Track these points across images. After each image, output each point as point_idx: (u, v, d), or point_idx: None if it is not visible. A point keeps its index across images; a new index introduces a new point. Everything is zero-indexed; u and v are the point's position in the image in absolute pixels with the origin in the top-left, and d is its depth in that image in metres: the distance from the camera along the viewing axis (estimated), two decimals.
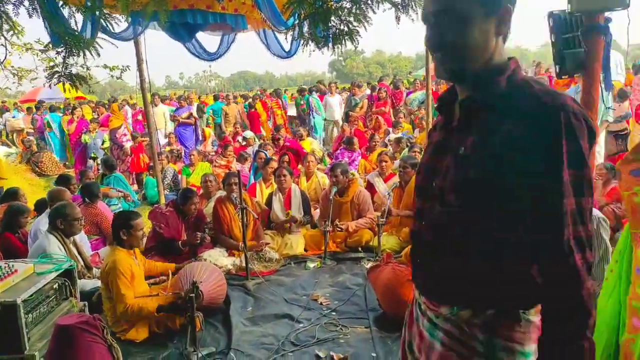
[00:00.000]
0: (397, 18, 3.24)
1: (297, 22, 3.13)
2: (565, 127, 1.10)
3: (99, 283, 4.05)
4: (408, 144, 8.10)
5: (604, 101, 2.87)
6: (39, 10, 2.80)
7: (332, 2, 2.98)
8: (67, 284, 3.38)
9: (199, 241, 4.89)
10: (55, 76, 3.25)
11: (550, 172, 1.11)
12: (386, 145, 8.76)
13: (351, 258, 5.12)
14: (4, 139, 15.46)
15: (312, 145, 9.69)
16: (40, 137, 13.31)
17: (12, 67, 7.19)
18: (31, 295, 2.93)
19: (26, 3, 2.77)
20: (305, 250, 5.36)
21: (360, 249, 5.26)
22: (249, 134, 10.50)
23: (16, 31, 5.39)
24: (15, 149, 13.66)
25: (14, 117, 16.29)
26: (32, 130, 14.64)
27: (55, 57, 3.33)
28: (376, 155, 7.16)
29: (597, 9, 2.54)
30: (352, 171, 6.57)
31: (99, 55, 3.36)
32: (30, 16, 2.80)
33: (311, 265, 4.97)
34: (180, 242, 4.89)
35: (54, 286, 3.25)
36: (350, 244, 5.31)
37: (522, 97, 1.17)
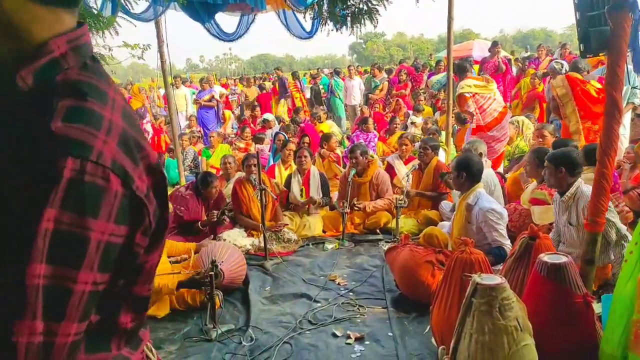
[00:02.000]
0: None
1: (316, 1, 3.12)
2: (66, 187, 0.71)
3: None
4: (433, 124, 8.02)
5: (629, 81, 2.80)
6: None
7: None
8: None
9: (215, 219, 4.95)
10: None
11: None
12: (406, 128, 8.68)
13: (369, 240, 5.13)
14: None
15: (331, 128, 9.67)
16: None
17: None
18: None
19: None
20: (324, 231, 5.39)
21: (378, 230, 5.27)
22: (269, 116, 10.51)
23: None
24: None
25: None
26: None
27: None
28: (396, 138, 7.12)
29: None
30: (371, 152, 6.54)
31: (117, 34, 3.38)
32: None
33: (329, 246, 5.00)
34: (199, 222, 4.96)
35: None
36: (368, 226, 5.32)
37: (40, 111, 0.76)
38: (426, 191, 5.35)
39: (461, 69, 6.40)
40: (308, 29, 5.50)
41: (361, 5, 3.09)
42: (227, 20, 6.11)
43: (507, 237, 3.73)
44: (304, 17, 4.82)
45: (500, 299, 2.35)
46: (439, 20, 6.34)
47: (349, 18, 3.07)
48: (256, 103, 12.54)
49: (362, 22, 3.13)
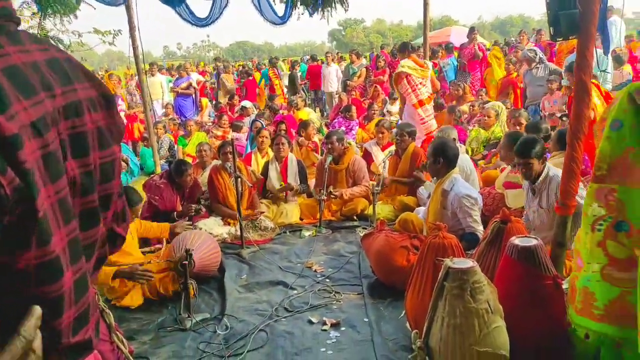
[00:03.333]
0: None
1: None
2: None
3: None
4: None
5: (598, 66, 2.82)
6: None
7: None
8: None
9: (193, 213, 4.89)
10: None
11: None
12: (384, 115, 8.68)
13: (346, 227, 5.13)
14: None
15: (309, 115, 9.61)
16: None
17: (21, 4, 7.03)
18: None
19: None
20: (301, 219, 5.37)
21: (355, 217, 5.27)
22: (247, 103, 10.40)
23: None
24: None
25: None
26: None
27: (30, 19, 3.25)
28: (374, 125, 7.11)
29: None
30: (349, 140, 6.53)
31: (76, 17, 3.28)
32: None
33: (306, 233, 4.98)
34: (175, 213, 4.88)
35: None
36: (345, 213, 5.32)
37: None
38: (403, 177, 5.36)
39: (401, 49, 6.79)
40: (280, 14, 5.43)
41: None
42: (200, 5, 5.99)
43: (480, 223, 3.76)
44: (274, 1, 4.75)
45: (471, 282, 2.37)
46: (418, 7, 6.35)
47: (320, 2, 3.02)
48: (236, 90, 12.40)
49: (334, 6, 3.08)
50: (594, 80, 5.25)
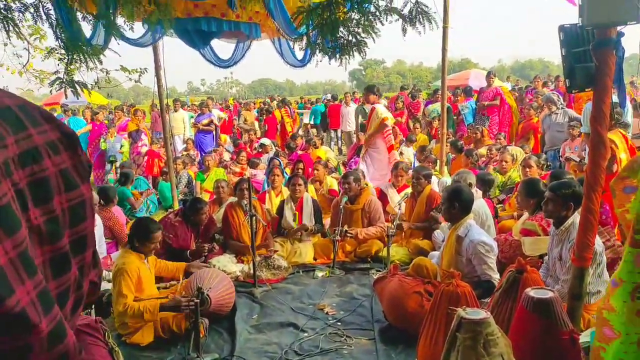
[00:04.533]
0: (404, 30, 3.24)
1: (305, 33, 3.16)
2: None
3: (107, 286, 4.11)
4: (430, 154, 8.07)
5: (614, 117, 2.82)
6: (43, 17, 2.89)
7: (340, 13, 2.99)
8: None
9: (206, 252, 4.91)
10: (57, 82, 3.33)
11: None
12: (401, 154, 8.71)
13: (360, 268, 5.08)
14: None
15: (327, 154, 9.70)
16: None
17: (34, 70, 7.34)
18: None
19: (31, 9, 2.86)
20: (315, 258, 5.35)
21: (369, 259, 5.22)
22: (266, 140, 10.55)
23: (39, 35, 5.53)
24: None
25: None
26: None
27: (58, 64, 3.42)
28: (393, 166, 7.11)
29: (609, 23, 2.50)
30: (366, 180, 6.54)
31: (100, 62, 3.42)
32: (36, 22, 2.89)
33: (319, 274, 4.95)
34: (188, 251, 4.90)
35: None
36: (359, 254, 5.28)
37: None
38: (419, 219, 5.33)
39: (371, 90, 7.17)
40: (300, 57, 5.58)
41: (350, 37, 3.13)
42: (223, 46, 6.20)
43: (496, 270, 3.70)
44: (294, 45, 4.88)
45: (485, 334, 2.31)
46: (438, 49, 6.46)
47: (337, 50, 3.11)
48: (259, 126, 12.57)
49: (351, 53, 3.17)
50: (622, 131, 5.23)
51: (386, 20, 3.19)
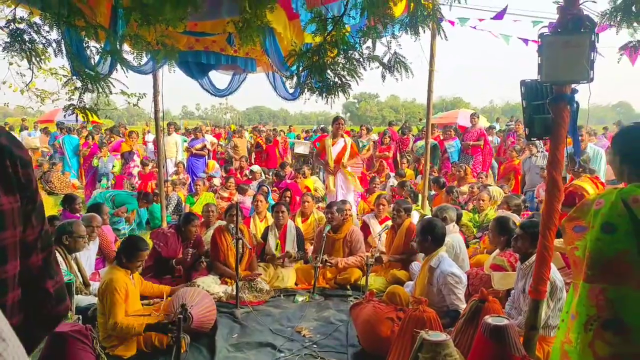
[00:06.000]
0: (383, 77, 3.58)
1: (296, 72, 3.46)
2: None
3: (94, 300, 4.27)
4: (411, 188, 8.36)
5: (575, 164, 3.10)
6: (64, 52, 3.17)
7: (328, 57, 3.31)
8: None
9: (189, 258, 5.11)
10: (71, 108, 3.61)
11: None
12: (384, 189, 9.00)
13: (339, 295, 5.28)
14: None
15: (315, 183, 9.95)
16: (60, 157, 13.73)
17: (36, 89, 7.60)
18: None
19: (54, 44, 3.14)
20: (296, 284, 5.54)
21: (348, 286, 5.42)
22: (255, 167, 10.81)
23: (43, 57, 5.82)
24: None
25: (30, 135, 16.85)
26: (47, 150, 15.13)
27: (74, 92, 3.70)
28: (375, 198, 7.40)
29: (564, 81, 2.82)
30: (350, 211, 6.77)
31: (110, 92, 3.69)
32: (56, 55, 3.18)
33: (300, 298, 5.14)
34: (174, 260, 5.12)
35: None
36: (339, 281, 5.48)
37: None
38: (398, 251, 5.57)
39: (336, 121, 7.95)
40: (292, 91, 5.91)
41: (335, 79, 3.44)
42: (219, 77, 6.52)
43: (464, 301, 3.92)
44: (286, 81, 5.21)
45: (443, 354, 2.54)
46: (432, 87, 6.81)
47: (324, 89, 3.41)
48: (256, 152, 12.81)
49: (337, 93, 3.47)
50: (590, 177, 5.58)
51: (368, 66, 3.53)
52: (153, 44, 3.45)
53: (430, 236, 4.06)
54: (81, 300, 4.35)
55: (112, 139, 11.92)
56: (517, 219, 5.26)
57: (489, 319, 2.77)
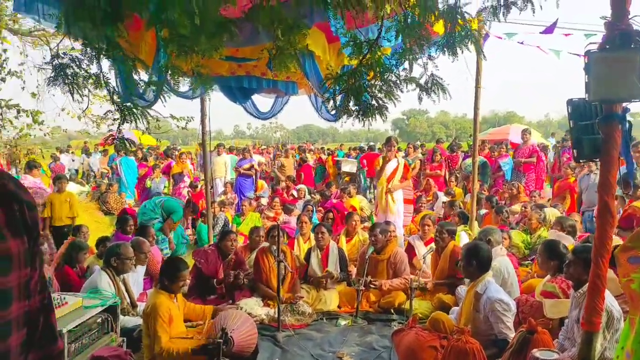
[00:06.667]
0: (420, 98, 3.50)
1: (332, 96, 3.46)
2: None
3: (141, 321, 4.36)
4: (460, 208, 8.14)
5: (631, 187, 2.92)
6: (102, 84, 3.33)
7: (364, 81, 3.28)
8: (109, 319, 3.70)
9: (232, 279, 5.16)
10: (110, 138, 3.77)
11: None
12: (432, 208, 8.80)
13: (382, 319, 5.16)
14: (79, 178, 16.76)
15: (360, 203, 9.88)
16: (117, 178, 14.33)
17: (92, 115, 8.01)
18: (76, 327, 3.26)
19: (93, 77, 3.30)
20: (339, 307, 5.46)
21: (392, 310, 5.29)
22: (302, 187, 10.86)
23: (99, 85, 6.15)
24: (88, 187, 14.76)
25: (90, 157, 17.75)
26: (106, 171, 15.85)
27: (112, 124, 3.87)
28: (420, 218, 7.23)
29: (613, 99, 2.65)
30: (395, 232, 6.64)
31: (148, 123, 3.82)
32: (96, 88, 3.34)
33: (342, 322, 5.06)
34: (215, 280, 5.22)
35: (98, 320, 3.57)
36: (383, 305, 5.36)
37: None
38: (442, 275, 5.40)
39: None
40: (332, 113, 5.91)
41: (372, 102, 3.40)
42: (263, 100, 6.64)
43: (513, 329, 3.72)
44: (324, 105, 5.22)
45: None
46: (483, 102, 6.65)
47: (361, 112, 3.38)
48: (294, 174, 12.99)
49: (373, 116, 3.44)
50: None
51: (405, 88, 3.47)
52: (189, 74, 3.56)
53: (475, 260, 3.90)
54: (128, 321, 4.46)
55: (164, 161, 12.34)
56: (570, 242, 4.99)
57: (537, 353, 2.61)
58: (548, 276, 4.46)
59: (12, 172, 12.36)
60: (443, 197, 9.76)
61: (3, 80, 7.33)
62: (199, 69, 3.51)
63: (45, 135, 8.69)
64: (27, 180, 7.43)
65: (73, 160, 18.30)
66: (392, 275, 5.51)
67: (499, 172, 11.29)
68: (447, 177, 11.71)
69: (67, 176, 12.98)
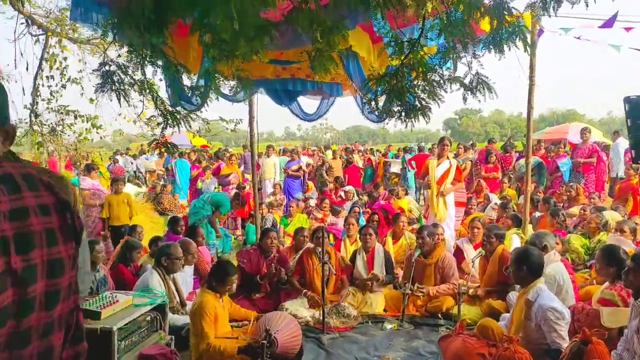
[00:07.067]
0: (464, 98, 3.38)
1: (373, 97, 3.41)
2: None
3: (189, 319, 4.47)
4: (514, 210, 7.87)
5: None
6: (146, 91, 3.45)
7: (406, 81, 3.21)
8: (158, 317, 3.81)
9: (274, 272, 5.32)
10: (154, 142, 3.89)
11: None
12: (484, 210, 8.54)
13: (429, 324, 5.04)
14: (136, 180, 17.45)
15: (409, 204, 9.72)
16: (172, 180, 14.78)
17: (147, 119, 8.31)
18: (126, 324, 3.37)
19: (138, 84, 3.42)
20: (385, 310, 5.38)
21: (440, 315, 5.17)
22: (349, 188, 10.81)
23: (155, 88, 6.39)
24: (145, 188, 15.34)
25: (147, 159, 18.42)
26: (162, 172, 16.42)
27: (154, 128, 3.99)
28: (469, 220, 7.03)
29: None
30: (443, 235, 6.48)
31: (190, 126, 3.91)
32: (140, 94, 3.46)
33: (388, 326, 4.99)
34: (258, 276, 5.35)
35: (147, 318, 3.68)
36: (430, 309, 5.24)
37: None
38: (491, 280, 5.21)
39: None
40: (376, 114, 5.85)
41: (415, 103, 3.32)
42: (309, 101, 6.67)
43: (567, 339, 3.54)
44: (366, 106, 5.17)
45: None
46: (540, 99, 6.39)
47: (404, 114, 3.31)
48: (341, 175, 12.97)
49: (416, 117, 3.35)
50: None
51: (449, 88, 3.37)
52: (230, 78, 3.63)
53: (526, 266, 3.73)
54: (177, 319, 4.58)
55: (215, 163, 12.63)
56: (631, 247, 4.70)
57: None
58: (606, 283, 4.22)
59: (73, 173, 13.04)
60: (495, 199, 9.45)
61: (64, 87, 7.75)
62: (240, 73, 3.57)
63: (101, 138, 9.10)
64: (86, 182, 7.77)
65: (132, 163, 19.08)
66: (439, 280, 5.38)
67: (557, 172, 10.80)
68: (500, 178, 11.32)
69: (125, 178, 13.54)
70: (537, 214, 7.89)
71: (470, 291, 5.14)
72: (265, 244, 5.57)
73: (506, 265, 4.86)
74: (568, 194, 8.86)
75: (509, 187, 10.50)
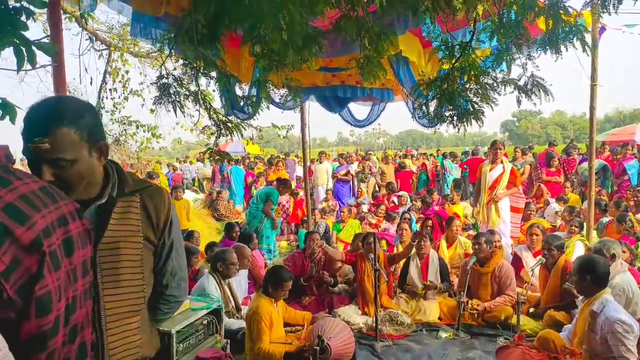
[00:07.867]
0: (519, 101, 3.25)
1: (424, 102, 3.35)
2: None
3: (244, 323, 4.57)
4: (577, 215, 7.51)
5: None
6: (200, 102, 3.57)
7: (458, 85, 3.14)
8: (214, 321, 3.90)
9: (314, 273, 5.46)
10: (208, 151, 4.01)
11: None
12: (543, 216, 8.20)
13: (486, 334, 4.88)
14: (196, 186, 18.03)
15: (464, 210, 9.50)
16: (228, 186, 15.19)
17: (202, 128, 8.61)
18: (184, 328, 3.48)
19: (193, 95, 3.55)
20: (440, 318, 5.27)
21: (498, 325, 4.99)
22: (403, 193, 10.69)
23: (208, 99, 6.61)
24: (202, 194, 15.81)
25: (205, 166, 19.00)
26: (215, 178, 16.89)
27: (210, 137, 4.12)
28: (528, 226, 6.77)
29: None
30: (501, 242, 6.28)
31: (242, 135, 4.00)
32: (195, 105, 3.58)
33: (443, 335, 4.88)
34: (302, 277, 5.51)
35: (204, 322, 3.79)
36: (487, 319, 5.08)
37: None
38: (554, 292, 4.96)
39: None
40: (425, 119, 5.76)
41: (468, 106, 3.24)
42: (359, 107, 6.66)
43: (636, 353, 3.34)
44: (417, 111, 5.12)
45: None
46: (605, 98, 6.13)
47: (456, 118, 3.24)
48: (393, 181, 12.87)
49: (469, 122, 3.27)
50: None
51: (504, 91, 3.26)
52: (280, 87, 3.70)
53: (590, 276, 3.54)
54: (233, 323, 4.69)
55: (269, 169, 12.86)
56: None
57: None
58: None
59: None
60: (554, 204, 9.05)
61: (126, 98, 8.17)
62: (290, 82, 3.63)
63: (160, 149, 9.49)
64: None
65: (189, 170, 19.73)
66: (496, 290, 5.20)
67: (624, 176, 10.23)
68: (562, 182, 10.84)
69: (184, 185, 14.02)
70: (605, 219, 7.48)
71: (531, 310, 4.95)
72: (309, 246, 5.77)
73: (569, 274, 4.64)
74: (636, 198, 8.36)
75: (572, 191, 10.02)
